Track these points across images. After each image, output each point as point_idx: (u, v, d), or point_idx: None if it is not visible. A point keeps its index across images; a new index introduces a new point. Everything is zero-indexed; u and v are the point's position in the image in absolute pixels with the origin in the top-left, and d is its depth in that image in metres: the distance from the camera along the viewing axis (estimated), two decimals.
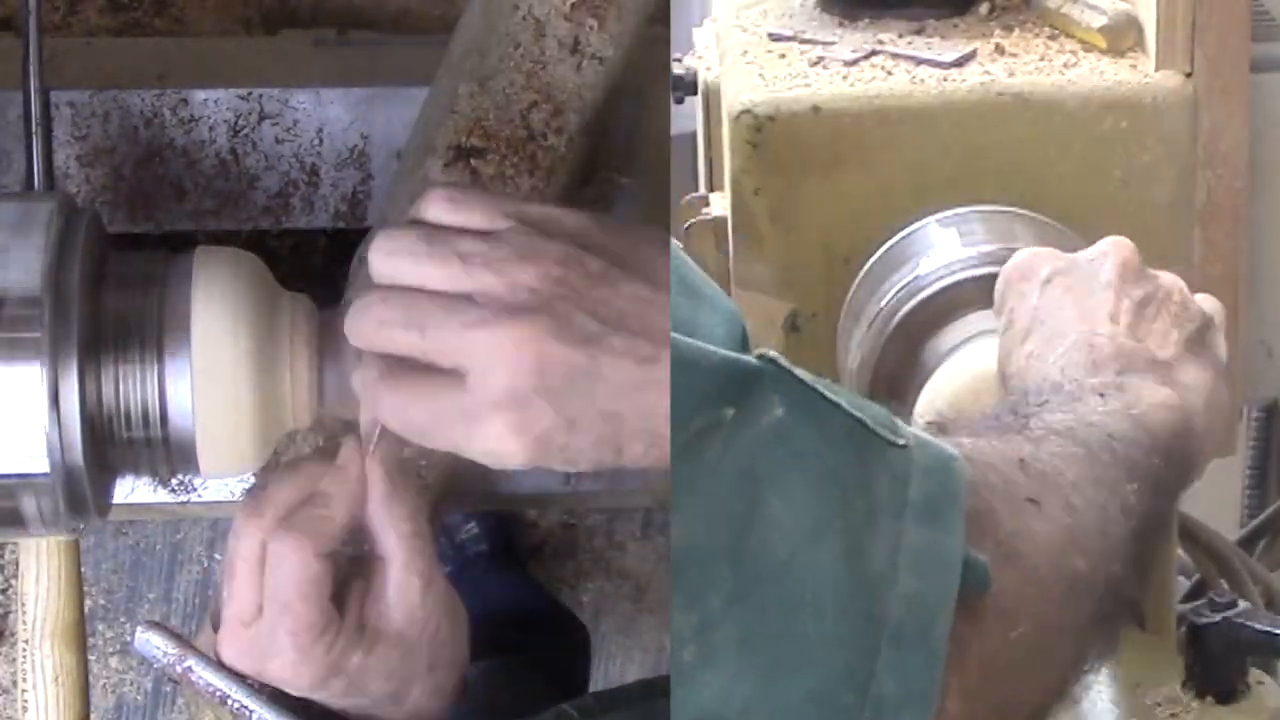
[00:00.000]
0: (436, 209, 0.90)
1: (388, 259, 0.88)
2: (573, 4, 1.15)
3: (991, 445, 0.81)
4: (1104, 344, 0.94)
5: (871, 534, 0.70)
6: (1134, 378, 0.92)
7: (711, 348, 0.70)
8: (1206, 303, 1.00)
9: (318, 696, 0.96)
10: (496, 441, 0.85)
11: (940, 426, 0.85)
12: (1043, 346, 0.95)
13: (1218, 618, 0.87)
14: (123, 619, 2.25)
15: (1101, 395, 0.89)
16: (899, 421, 0.73)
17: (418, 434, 0.88)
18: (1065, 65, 1.17)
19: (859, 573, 0.69)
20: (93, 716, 1.14)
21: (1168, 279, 0.99)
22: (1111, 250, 0.99)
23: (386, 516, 0.95)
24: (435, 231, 0.89)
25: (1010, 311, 0.99)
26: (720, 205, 1.24)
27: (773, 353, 0.71)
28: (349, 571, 0.97)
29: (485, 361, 0.85)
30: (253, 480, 1.16)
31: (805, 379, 0.71)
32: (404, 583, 0.95)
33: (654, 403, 0.85)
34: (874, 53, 1.19)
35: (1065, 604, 0.78)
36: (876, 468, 0.71)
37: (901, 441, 0.72)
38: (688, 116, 1.37)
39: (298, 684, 0.95)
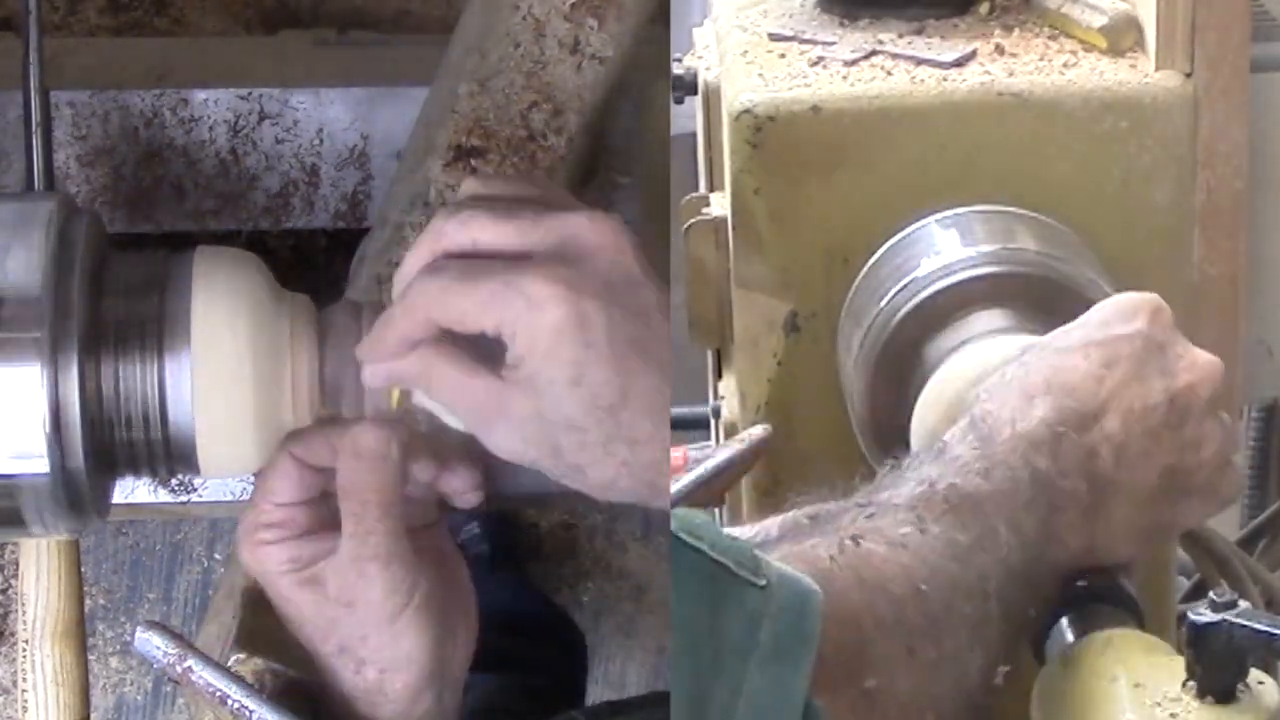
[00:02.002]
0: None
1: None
2: (573, 4, 1.15)
3: (900, 563, 0.83)
4: (1090, 442, 0.92)
5: (716, 677, 0.72)
6: (1071, 484, 0.91)
7: None
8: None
9: (256, 577, 1.00)
10: (546, 283, 0.87)
11: (872, 489, 0.89)
12: (1057, 379, 0.94)
13: (1218, 618, 0.86)
14: (123, 619, 2.25)
15: (1028, 507, 0.90)
16: (764, 559, 0.75)
17: (467, 305, 0.89)
18: (1065, 65, 1.17)
19: (700, 715, 0.71)
20: (93, 716, 1.14)
21: (1210, 438, 0.95)
22: (1198, 373, 0.95)
23: (338, 486, 0.96)
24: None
25: (1088, 317, 0.98)
26: (720, 205, 1.24)
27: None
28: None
29: (570, 231, 0.89)
30: (255, 480, 1.16)
31: (671, 527, 0.73)
32: (341, 550, 0.97)
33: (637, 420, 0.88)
34: (874, 53, 1.19)
35: None
36: (730, 610, 0.73)
37: (761, 582, 0.74)
38: (688, 116, 1.37)
39: (240, 540, 0.99)
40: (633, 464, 0.89)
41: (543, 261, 0.88)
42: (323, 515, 0.98)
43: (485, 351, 0.90)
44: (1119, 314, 0.97)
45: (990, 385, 0.96)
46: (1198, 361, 0.96)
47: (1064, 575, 0.93)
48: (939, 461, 0.91)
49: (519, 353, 0.88)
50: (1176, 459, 0.94)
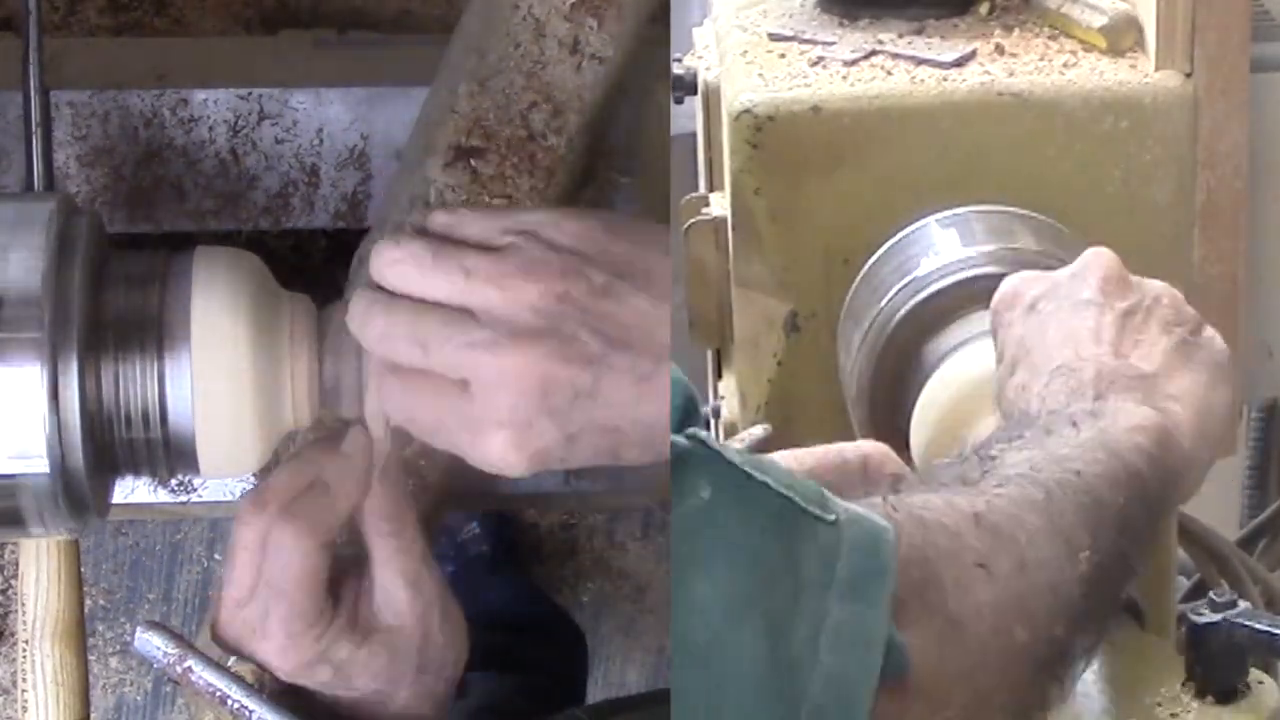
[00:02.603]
0: (439, 220, 0.91)
1: (392, 267, 0.89)
2: (573, 4, 1.15)
3: (946, 500, 0.80)
4: (1085, 367, 0.92)
5: (795, 614, 0.70)
6: (1113, 400, 0.90)
7: None
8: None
9: (302, 681, 0.97)
10: (499, 455, 0.87)
11: (899, 481, 0.86)
12: (1029, 377, 0.94)
13: (1218, 618, 0.87)
14: (123, 619, 2.25)
15: (1075, 424, 0.87)
16: (829, 496, 0.74)
17: (424, 433, 0.90)
18: (1065, 65, 1.17)
19: (780, 653, 0.70)
20: (93, 716, 1.13)
21: (1155, 286, 0.96)
22: (1092, 263, 0.97)
23: (368, 514, 0.96)
24: (441, 243, 0.90)
25: (1001, 343, 0.98)
26: (720, 205, 1.24)
27: (702, 433, 0.72)
28: (350, 565, 0.98)
29: (489, 380, 0.87)
30: (254, 479, 1.16)
31: (733, 459, 0.72)
32: (389, 582, 0.97)
33: (652, 413, 0.87)
34: (874, 53, 1.19)
35: (1003, 676, 0.78)
36: (804, 545, 0.72)
37: (831, 517, 0.72)
38: (688, 116, 1.37)
39: (284, 668, 0.97)
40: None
41: (482, 412, 0.87)
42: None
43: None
44: (1005, 304, 0.98)
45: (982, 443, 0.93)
46: (1087, 264, 0.96)
47: (1151, 470, 0.88)
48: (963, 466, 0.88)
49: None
50: (1157, 318, 0.94)
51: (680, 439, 0.71)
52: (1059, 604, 0.81)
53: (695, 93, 1.31)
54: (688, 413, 0.76)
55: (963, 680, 0.76)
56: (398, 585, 0.97)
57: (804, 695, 0.70)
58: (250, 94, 1.33)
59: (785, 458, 0.95)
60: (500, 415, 0.86)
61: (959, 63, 1.17)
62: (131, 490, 1.22)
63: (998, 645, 0.78)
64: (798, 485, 0.73)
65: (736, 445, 1.12)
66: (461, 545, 2.18)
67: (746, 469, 0.72)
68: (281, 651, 0.96)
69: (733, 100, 1.15)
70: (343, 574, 0.98)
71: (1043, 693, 0.80)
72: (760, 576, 0.71)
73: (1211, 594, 0.88)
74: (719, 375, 1.35)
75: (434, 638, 0.98)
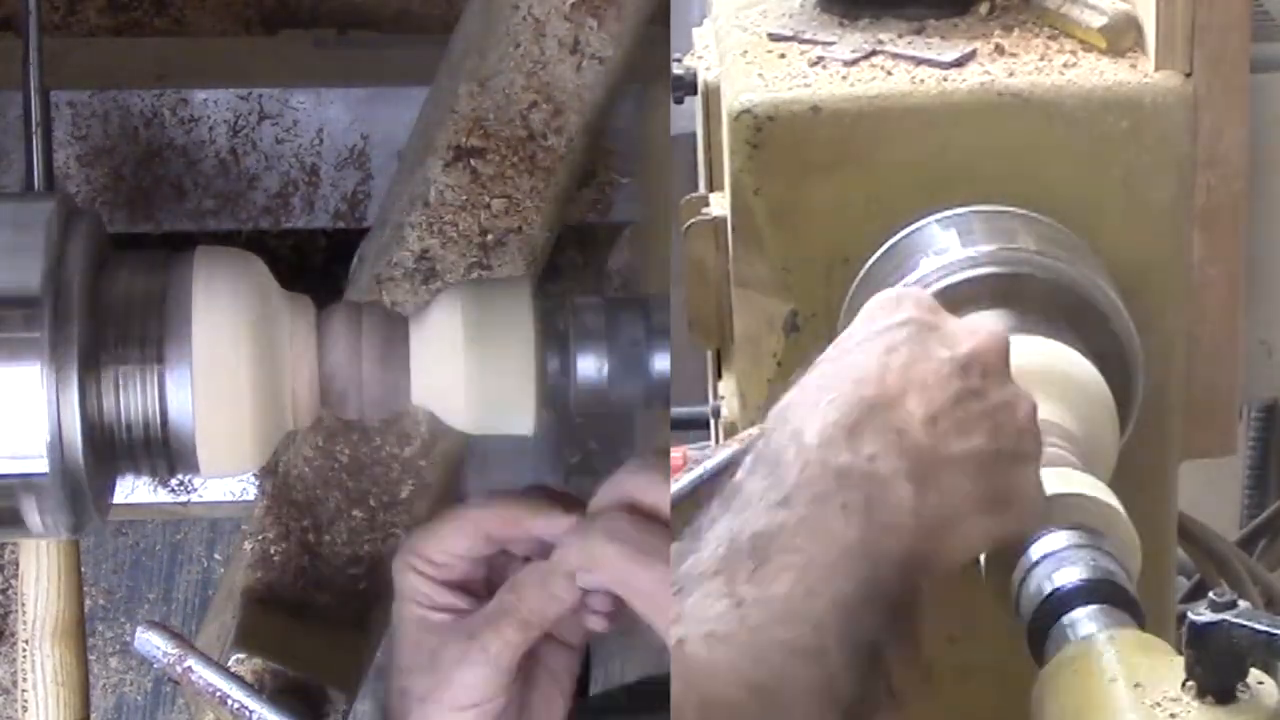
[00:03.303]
0: None
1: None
2: (573, 4, 1.15)
3: (719, 653, 0.79)
4: (895, 422, 0.86)
5: None
6: (886, 466, 0.85)
7: None
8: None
9: None
10: None
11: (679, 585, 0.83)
12: (838, 381, 0.88)
13: (1218, 618, 0.86)
14: (123, 619, 2.24)
15: (844, 506, 0.83)
16: None
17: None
18: (1065, 65, 1.17)
19: None
20: (93, 716, 1.14)
21: (1022, 399, 0.91)
22: (980, 337, 0.91)
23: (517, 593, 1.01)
24: None
25: (852, 326, 0.93)
26: (720, 205, 1.24)
27: None
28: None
29: None
30: (255, 479, 1.16)
31: None
32: (466, 621, 1.01)
33: None
34: (874, 53, 1.19)
35: None
36: None
37: None
38: (688, 116, 1.37)
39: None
40: None
41: None
42: (480, 576, 1.03)
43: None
44: (883, 308, 0.93)
45: (771, 416, 0.89)
46: (976, 330, 0.92)
47: (910, 568, 0.85)
48: (734, 509, 0.85)
49: None
50: (994, 422, 0.89)
51: None
52: None
53: (695, 93, 1.31)
54: None
55: None
56: (457, 627, 1.00)
57: None
58: (250, 94, 1.34)
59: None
60: None
61: (959, 63, 1.17)
62: (131, 490, 1.22)
63: None
64: None
65: (736, 445, 1.12)
66: None
67: None
68: (406, 542, 1.05)
69: (733, 100, 1.15)
70: None
71: None
72: None
73: (1211, 594, 0.87)
74: (719, 375, 1.35)
75: (427, 689, 1.00)
